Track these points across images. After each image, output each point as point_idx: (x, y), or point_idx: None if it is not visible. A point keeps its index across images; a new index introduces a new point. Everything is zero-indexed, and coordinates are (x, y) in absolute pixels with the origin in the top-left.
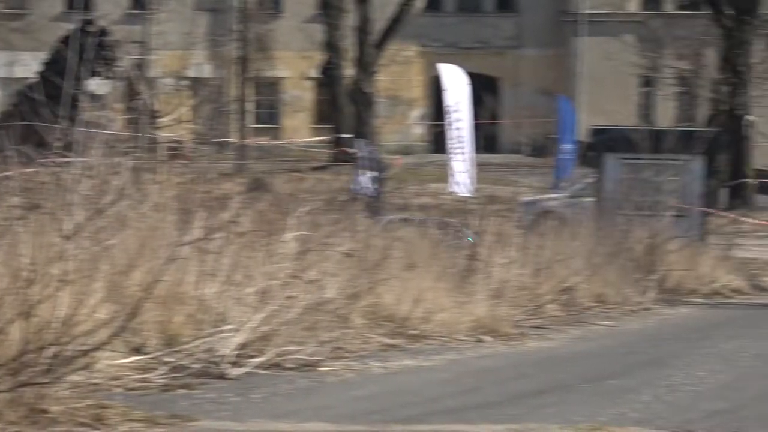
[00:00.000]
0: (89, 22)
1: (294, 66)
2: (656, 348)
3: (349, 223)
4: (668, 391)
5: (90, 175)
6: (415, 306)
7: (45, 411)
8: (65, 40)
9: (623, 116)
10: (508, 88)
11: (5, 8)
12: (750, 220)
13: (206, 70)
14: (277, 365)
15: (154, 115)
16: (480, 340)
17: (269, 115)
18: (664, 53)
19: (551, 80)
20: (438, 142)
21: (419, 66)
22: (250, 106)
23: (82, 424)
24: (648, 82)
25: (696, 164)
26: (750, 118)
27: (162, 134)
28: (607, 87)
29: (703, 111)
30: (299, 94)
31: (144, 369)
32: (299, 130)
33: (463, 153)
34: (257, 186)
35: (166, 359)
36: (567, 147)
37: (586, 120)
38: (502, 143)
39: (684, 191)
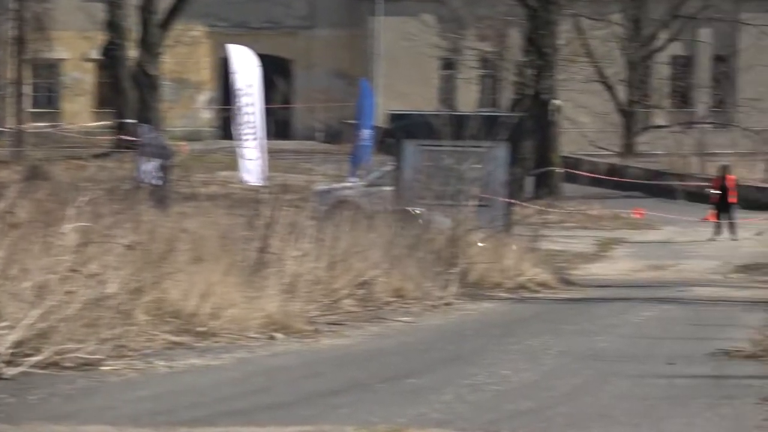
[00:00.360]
0: None
1: (74, 47)
2: (458, 345)
3: (133, 214)
4: (471, 391)
5: None
6: (202, 301)
7: None
8: None
9: (423, 100)
10: (301, 70)
11: None
12: (558, 210)
13: None
14: (55, 364)
15: None
16: (272, 338)
17: (48, 98)
18: (465, 34)
19: (347, 62)
20: (227, 127)
21: (207, 47)
22: (27, 90)
23: None
24: (449, 64)
25: (500, 151)
26: (556, 102)
27: None
28: (405, 69)
29: (507, 95)
30: (80, 77)
31: None
32: (80, 114)
33: (253, 139)
34: (35, 174)
35: None
36: (364, 133)
37: (383, 104)
38: (296, 129)
39: (487, 180)
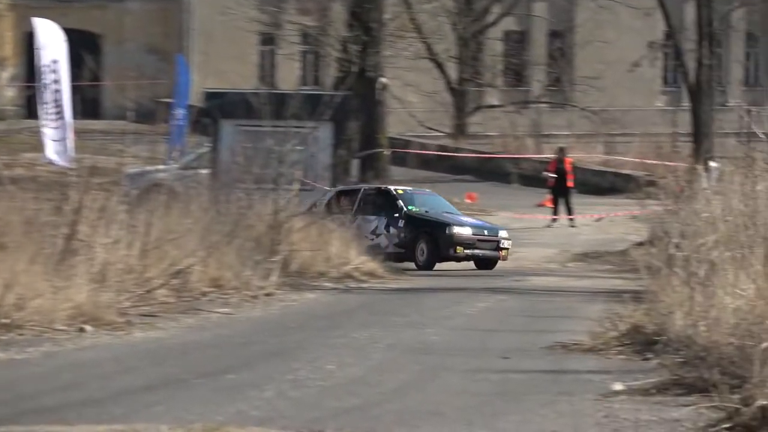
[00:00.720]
0: None
1: None
2: (280, 338)
3: None
4: (293, 387)
5: None
6: (6, 291)
7: None
8: None
9: (241, 78)
10: (111, 45)
11: None
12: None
13: None
14: None
15: None
16: (81, 330)
17: None
18: (285, 8)
19: (160, 37)
20: (32, 106)
21: (10, 21)
22: None
23: None
24: (269, 39)
25: (323, 132)
26: (383, 80)
27: None
28: (222, 45)
29: (330, 73)
30: None
31: None
32: None
33: (60, 118)
34: None
35: None
36: (179, 112)
37: (199, 82)
38: (105, 108)
39: (310, 163)
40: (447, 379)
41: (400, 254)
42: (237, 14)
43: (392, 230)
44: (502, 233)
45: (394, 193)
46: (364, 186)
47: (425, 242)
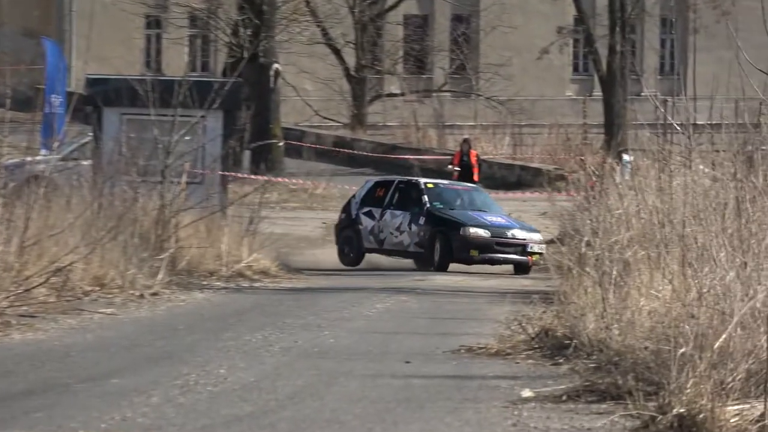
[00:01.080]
0: None
1: None
2: (168, 341)
3: None
4: (182, 392)
5: None
6: None
7: None
8: None
9: (125, 63)
10: None
11: None
12: (280, 189)
13: None
14: None
15: None
16: None
17: None
18: None
19: (37, 20)
20: None
21: None
22: None
23: None
24: (155, 23)
25: (213, 121)
26: (276, 66)
27: None
28: (104, 28)
29: (220, 58)
30: None
31: None
32: None
33: None
34: None
35: None
36: (57, 100)
37: (80, 68)
38: None
39: (199, 154)
40: (345, 384)
41: (420, 255)
42: None
43: (413, 227)
44: (533, 236)
45: (422, 186)
46: (398, 178)
47: (440, 243)
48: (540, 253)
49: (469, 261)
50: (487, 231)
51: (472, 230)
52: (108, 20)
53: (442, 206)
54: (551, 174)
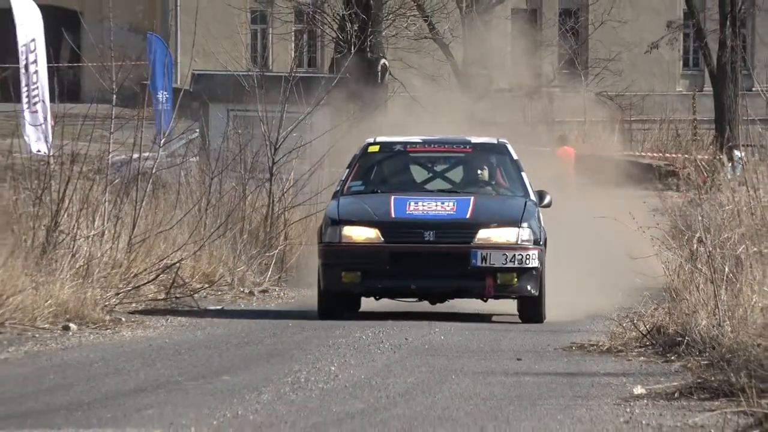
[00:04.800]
0: None
1: None
2: (277, 338)
3: None
4: (293, 389)
5: None
6: None
7: None
8: None
9: (231, 59)
10: (91, 23)
11: None
12: None
13: None
14: None
15: None
16: (66, 329)
17: None
18: None
19: (142, 16)
20: (4, 89)
21: None
22: None
23: None
24: (260, 18)
25: (321, 118)
26: (384, 62)
27: None
28: (210, 24)
29: (327, 53)
30: None
31: None
32: None
33: (38, 101)
34: None
35: None
36: (163, 96)
37: (186, 64)
38: (86, 91)
39: (306, 150)
40: (457, 382)
41: None
42: None
43: None
44: None
45: None
46: None
47: None
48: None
49: None
50: None
51: None
52: (213, 16)
53: None
54: (662, 170)
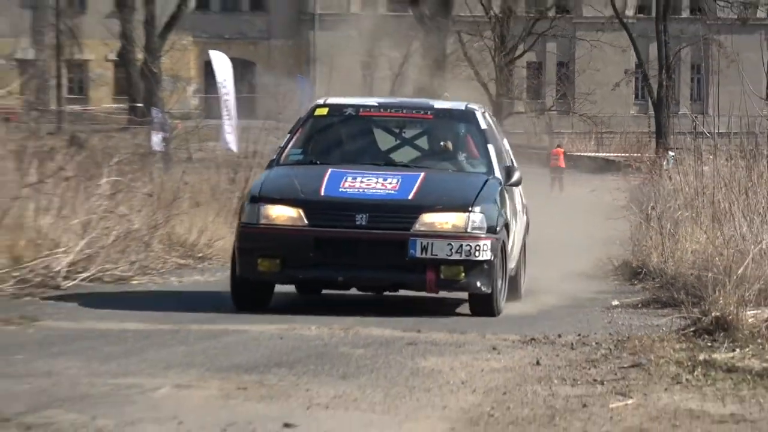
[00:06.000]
0: None
1: (97, 51)
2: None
3: (148, 171)
4: None
5: None
6: (200, 235)
7: None
8: None
9: (351, 95)
10: (261, 70)
11: None
12: None
13: (31, 53)
14: (98, 279)
15: None
16: None
17: (79, 88)
18: (378, 44)
19: (293, 65)
20: (208, 109)
21: (193, 52)
22: (64, 81)
23: None
24: (368, 65)
25: None
26: (446, 94)
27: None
28: (336, 70)
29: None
30: (102, 72)
31: None
32: (102, 99)
33: (230, 118)
34: (75, 142)
35: (14, 274)
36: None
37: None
38: (259, 112)
39: None
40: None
41: None
42: (347, 49)
43: None
44: None
45: None
46: None
47: None
48: None
49: None
50: None
51: None
52: (338, 65)
53: None
54: (621, 163)
